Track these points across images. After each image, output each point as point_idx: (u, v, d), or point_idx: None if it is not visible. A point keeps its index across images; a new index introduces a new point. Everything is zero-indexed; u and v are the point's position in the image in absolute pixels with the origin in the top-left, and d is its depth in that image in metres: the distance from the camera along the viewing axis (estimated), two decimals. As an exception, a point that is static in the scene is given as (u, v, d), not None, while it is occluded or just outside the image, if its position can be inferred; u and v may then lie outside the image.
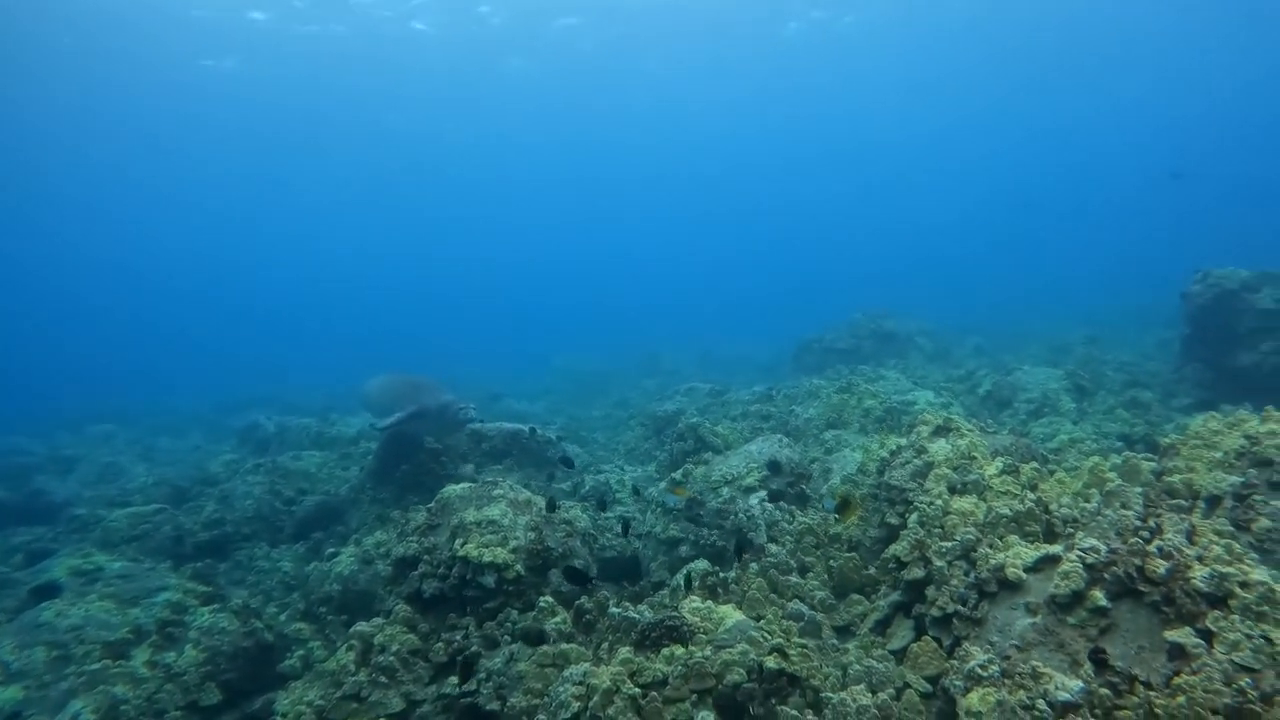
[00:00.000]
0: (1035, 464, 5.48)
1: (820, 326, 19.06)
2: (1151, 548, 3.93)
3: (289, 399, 25.11)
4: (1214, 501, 4.69)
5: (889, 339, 17.63)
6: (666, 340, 32.41)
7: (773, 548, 6.67)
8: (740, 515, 7.31)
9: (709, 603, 5.62)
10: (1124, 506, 4.66)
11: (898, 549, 5.22)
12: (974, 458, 5.58)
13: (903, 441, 6.82)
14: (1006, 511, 4.75)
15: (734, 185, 68.50)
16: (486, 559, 6.33)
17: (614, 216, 76.45)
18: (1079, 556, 4.03)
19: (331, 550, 9.28)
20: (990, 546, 4.61)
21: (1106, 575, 3.89)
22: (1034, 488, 5.27)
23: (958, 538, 4.82)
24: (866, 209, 74.26)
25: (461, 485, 7.20)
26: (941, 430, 6.58)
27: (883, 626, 5.31)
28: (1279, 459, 4.60)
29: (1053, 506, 4.81)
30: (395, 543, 7.40)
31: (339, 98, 42.88)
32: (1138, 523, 4.26)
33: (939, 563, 4.77)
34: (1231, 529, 4.26)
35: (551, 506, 6.80)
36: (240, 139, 46.20)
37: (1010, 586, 4.28)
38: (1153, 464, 5.47)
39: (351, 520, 10.33)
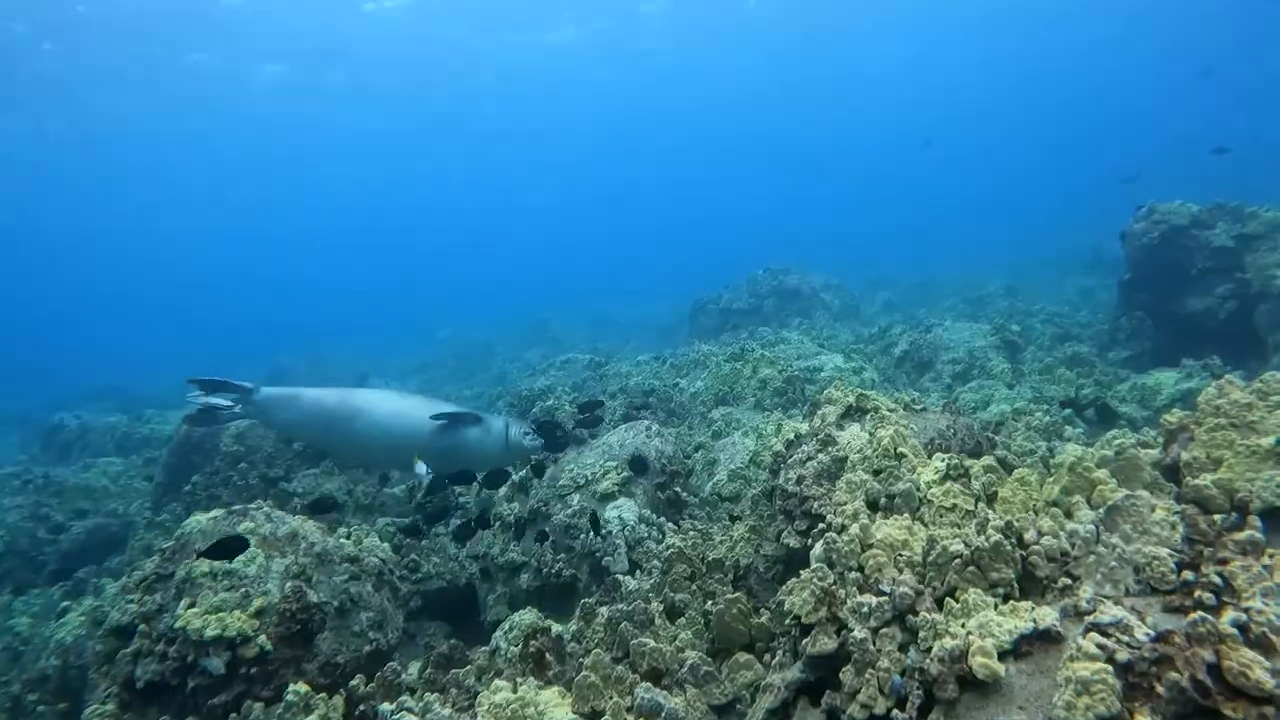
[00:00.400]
0: (990, 459, 3.71)
1: (721, 285, 17.32)
2: (1226, 626, 2.19)
3: (141, 392, 22.00)
4: (1276, 519, 2.99)
5: (792, 296, 16.05)
6: (561, 305, 30.30)
7: (630, 582, 4.86)
8: (591, 534, 5.43)
9: (527, 685, 3.80)
10: (1139, 532, 2.95)
11: (796, 602, 3.41)
12: (902, 454, 3.79)
13: (803, 428, 5.02)
14: (959, 546, 2.97)
15: (633, 138, 65.85)
16: (212, 632, 4.29)
17: (504, 176, 72.54)
18: (1099, 645, 2.27)
19: (65, 604, 6.99)
20: (940, 609, 2.84)
21: (1159, 686, 2.15)
22: (991, 499, 3.51)
23: (886, 590, 3.04)
24: (774, 161, 72.71)
25: (209, 514, 5.10)
26: (855, 411, 4.82)
27: (779, 718, 3.49)
28: (1371, 447, 2.90)
29: (1027, 533, 3.05)
30: (110, 603, 5.30)
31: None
32: (1177, 573, 2.54)
33: (858, 630, 3.00)
34: (1320, 568, 2.57)
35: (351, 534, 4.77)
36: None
37: (979, 688, 2.50)
38: (1154, 453, 3.78)
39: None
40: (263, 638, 4.35)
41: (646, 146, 67.12)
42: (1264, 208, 8.90)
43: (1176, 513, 3.16)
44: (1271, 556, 2.61)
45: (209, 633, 4.25)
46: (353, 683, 4.15)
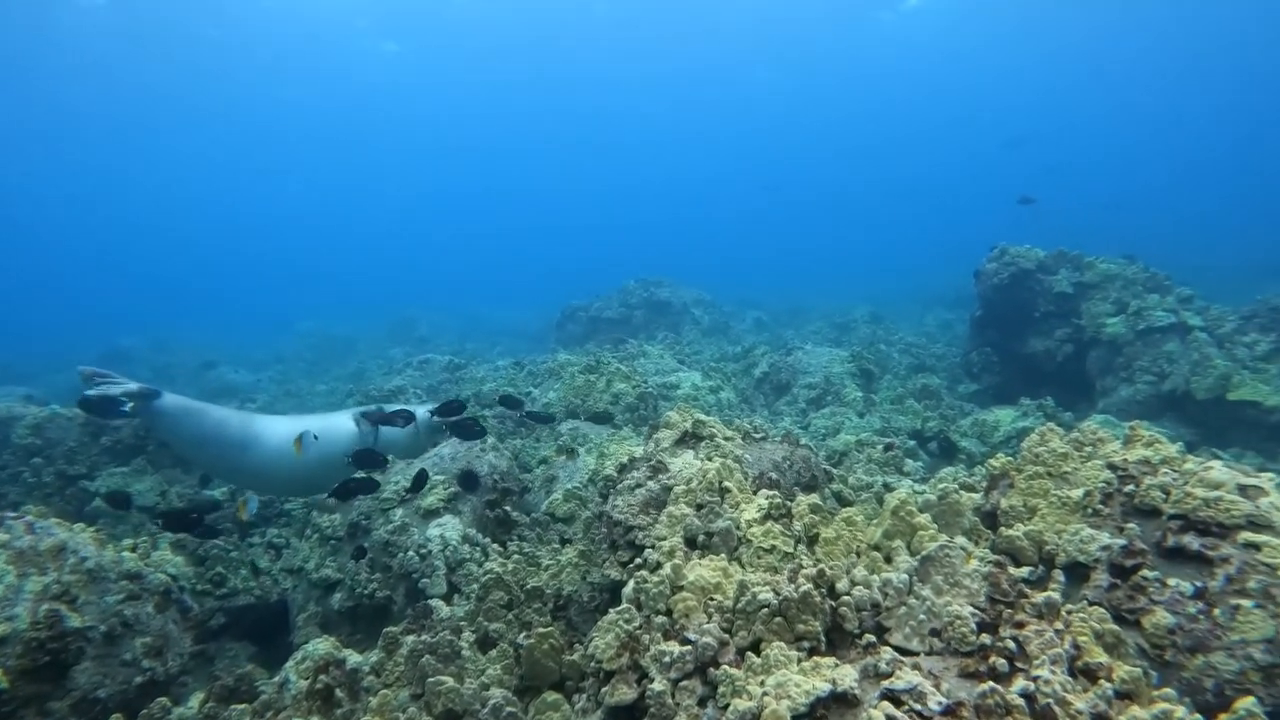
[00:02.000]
0: (815, 498, 3.65)
1: (593, 294, 17.14)
2: (1016, 697, 2.14)
3: None
4: (1078, 574, 3.05)
5: (663, 309, 16.07)
6: (433, 305, 29.30)
7: (443, 609, 4.53)
8: (411, 553, 5.06)
9: None
10: (950, 585, 2.92)
11: (600, 645, 3.21)
12: (727, 489, 3.67)
13: (637, 452, 4.85)
14: (769, 596, 2.84)
15: (517, 148, 65.04)
16: None
17: (385, 175, 69.90)
18: (889, 716, 2.17)
19: None
20: (740, 665, 2.70)
21: (940, 762, 2.06)
22: (812, 541, 3.44)
23: (691, 638, 2.88)
24: (664, 177, 73.60)
25: None
26: (690, 438, 4.68)
27: (574, 769, 3.30)
28: (1169, 507, 3.00)
29: (840, 583, 2.97)
30: None
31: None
32: (973, 631, 2.50)
33: (658, 682, 2.81)
34: (1114, 629, 2.62)
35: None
36: None
37: (768, 756, 2.36)
38: (976, 498, 3.83)
39: None
40: (3, 671, 3.76)
41: (532, 153, 66.62)
42: (1099, 259, 9.57)
43: (990, 563, 3.18)
44: (1068, 615, 2.62)
45: (-76, 667, 3.63)
46: (110, 720, 3.66)
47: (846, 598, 2.90)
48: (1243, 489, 3.01)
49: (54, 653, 3.84)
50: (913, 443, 7.22)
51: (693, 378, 9.25)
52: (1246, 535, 2.80)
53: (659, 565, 3.32)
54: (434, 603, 4.52)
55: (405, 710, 3.37)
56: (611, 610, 3.32)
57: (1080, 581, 3.06)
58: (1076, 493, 3.39)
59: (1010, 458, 3.97)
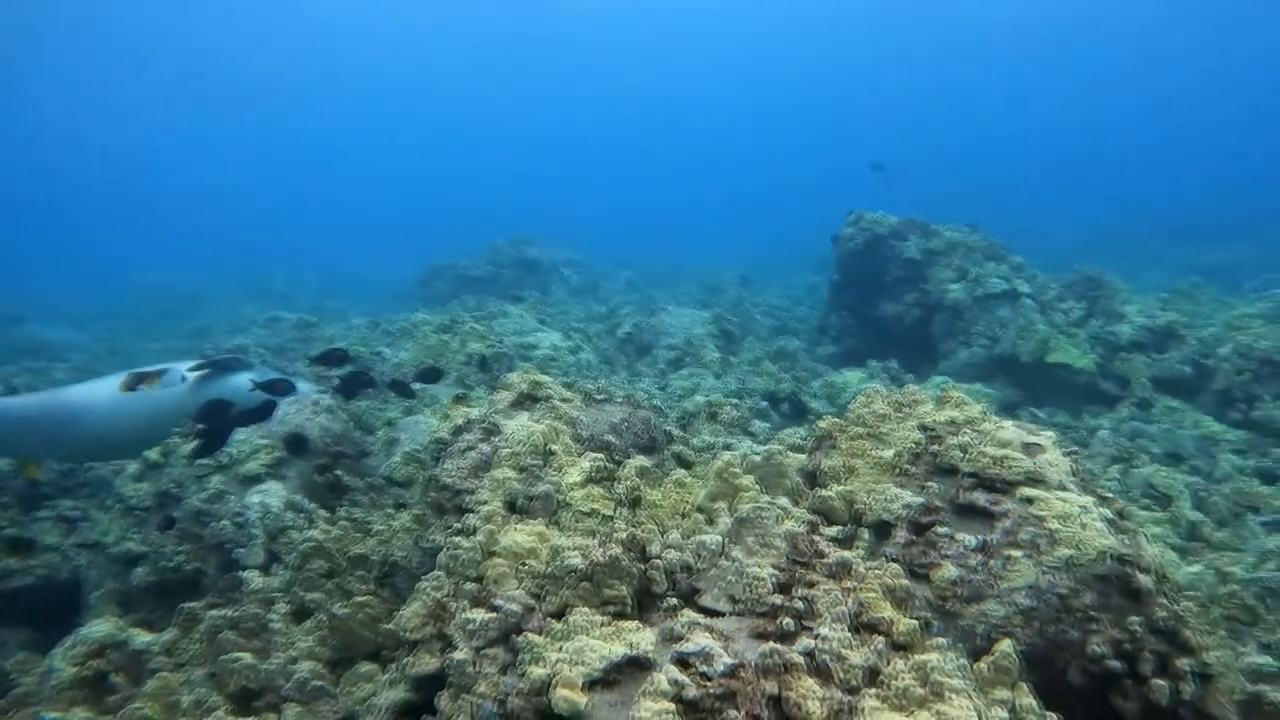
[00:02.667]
0: (643, 461, 3.65)
1: (461, 252, 16.66)
2: (796, 655, 2.19)
3: None
4: (883, 531, 3.16)
5: (532, 268, 15.86)
6: (296, 260, 27.73)
7: (256, 580, 4.31)
8: (226, 521, 4.78)
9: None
10: (761, 545, 2.97)
11: (406, 614, 3.12)
12: (551, 451, 3.61)
13: (474, 413, 4.73)
14: (577, 560, 2.80)
15: (385, 90, 62.21)
16: None
17: (245, 116, 65.20)
18: (671, 680, 2.18)
19: None
20: (540, 631, 2.66)
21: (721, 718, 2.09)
22: (635, 504, 3.43)
23: (499, 605, 2.82)
24: (536, 132, 72.13)
25: None
26: (528, 399, 4.59)
27: (384, 743, 3.18)
28: (965, 465, 3.15)
29: (653, 545, 2.96)
30: None
31: None
32: (771, 590, 2.56)
33: (462, 650, 2.74)
34: (906, 584, 2.72)
35: None
36: None
37: (562, 721, 2.34)
38: (800, 459, 3.93)
39: None
40: None
41: (399, 103, 63.86)
42: (946, 227, 10.06)
43: (805, 523, 3.26)
44: (866, 574, 2.71)
45: None
46: None
47: (657, 561, 2.90)
48: (1027, 447, 3.20)
49: None
50: (765, 404, 7.40)
51: (552, 338, 9.16)
52: (1024, 490, 2.98)
53: (474, 530, 3.24)
54: (246, 574, 4.30)
55: (193, 691, 3.18)
56: (423, 578, 3.23)
57: (885, 539, 3.18)
58: (889, 453, 3.52)
59: (837, 419, 4.09)
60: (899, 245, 9.99)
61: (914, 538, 3.08)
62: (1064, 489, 3.13)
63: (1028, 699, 2.27)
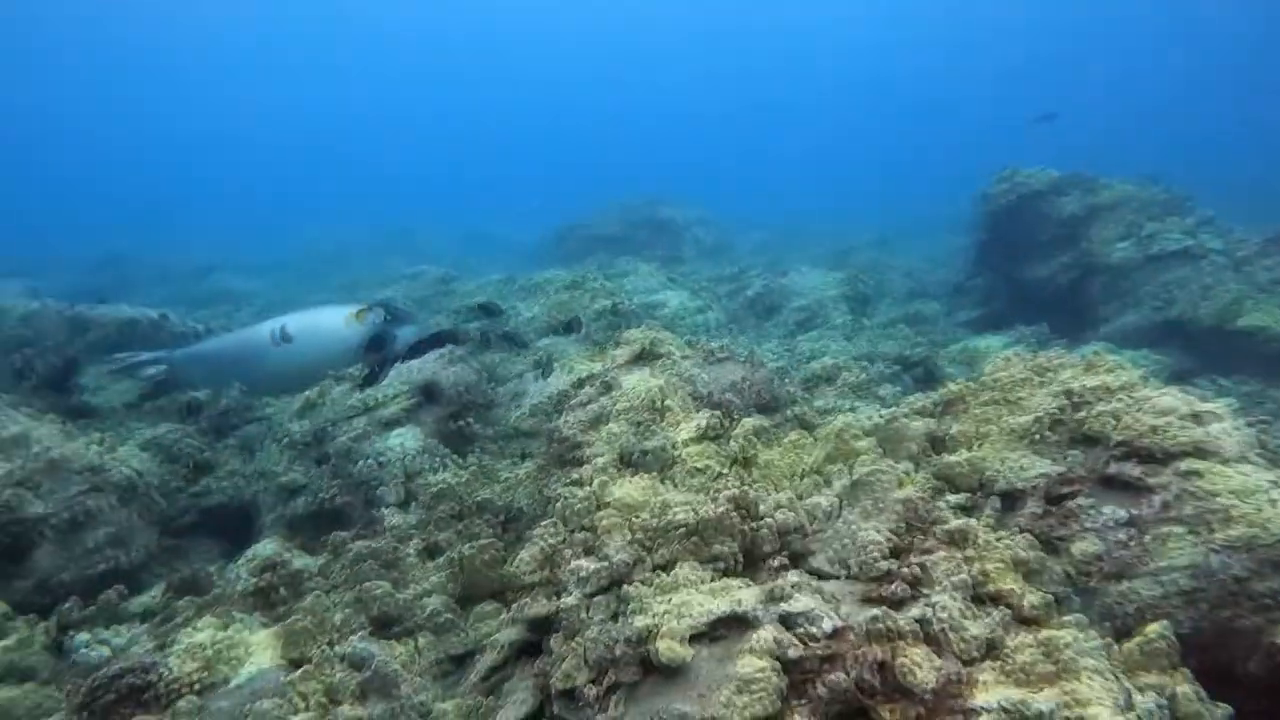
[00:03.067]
0: (759, 420, 3.57)
1: (594, 211, 16.85)
2: (906, 623, 2.09)
3: None
4: (1012, 500, 2.97)
5: (663, 228, 15.80)
6: (437, 218, 28.91)
7: (394, 517, 4.56)
8: (369, 461, 5.08)
9: (242, 624, 3.49)
10: (877, 509, 2.86)
11: (523, 558, 3.21)
12: (667, 408, 3.59)
13: (595, 368, 4.77)
14: (686, 515, 2.78)
15: (523, 55, 63.23)
16: None
17: (381, 77, 67.91)
18: (774, 639, 2.13)
19: None
20: (646, 583, 2.66)
21: (820, 685, 2.02)
22: (748, 462, 3.37)
23: (609, 554, 2.84)
24: (671, 95, 71.32)
25: None
26: (647, 355, 4.59)
27: (497, 676, 3.31)
28: (1115, 434, 2.90)
29: (763, 504, 2.90)
30: None
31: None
32: (884, 556, 2.44)
33: (572, 595, 2.80)
34: (1038, 556, 2.54)
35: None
36: None
37: (664, 672, 2.34)
38: (927, 424, 3.73)
39: None
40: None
41: (538, 70, 64.99)
42: (1115, 180, 9.23)
43: (927, 489, 3.11)
44: (991, 543, 2.55)
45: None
46: (65, 605, 3.75)
47: (768, 520, 2.84)
48: (1195, 416, 2.90)
49: (15, 535, 3.93)
50: (896, 369, 7.10)
51: (680, 297, 9.11)
52: (1190, 462, 2.71)
53: (586, 482, 3.28)
54: (385, 511, 4.54)
55: (341, 611, 3.39)
56: (539, 524, 3.30)
57: (1015, 509, 2.98)
58: (1025, 419, 3.29)
59: (969, 382, 3.86)
60: (1057, 201, 9.27)
61: (1049, 509, 2.87)
62: (1244, 462, 2.82)
63: (1187, 686, 2.07)
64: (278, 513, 5.39)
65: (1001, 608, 2.19)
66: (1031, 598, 2.28)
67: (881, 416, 3.53)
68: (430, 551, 4.14)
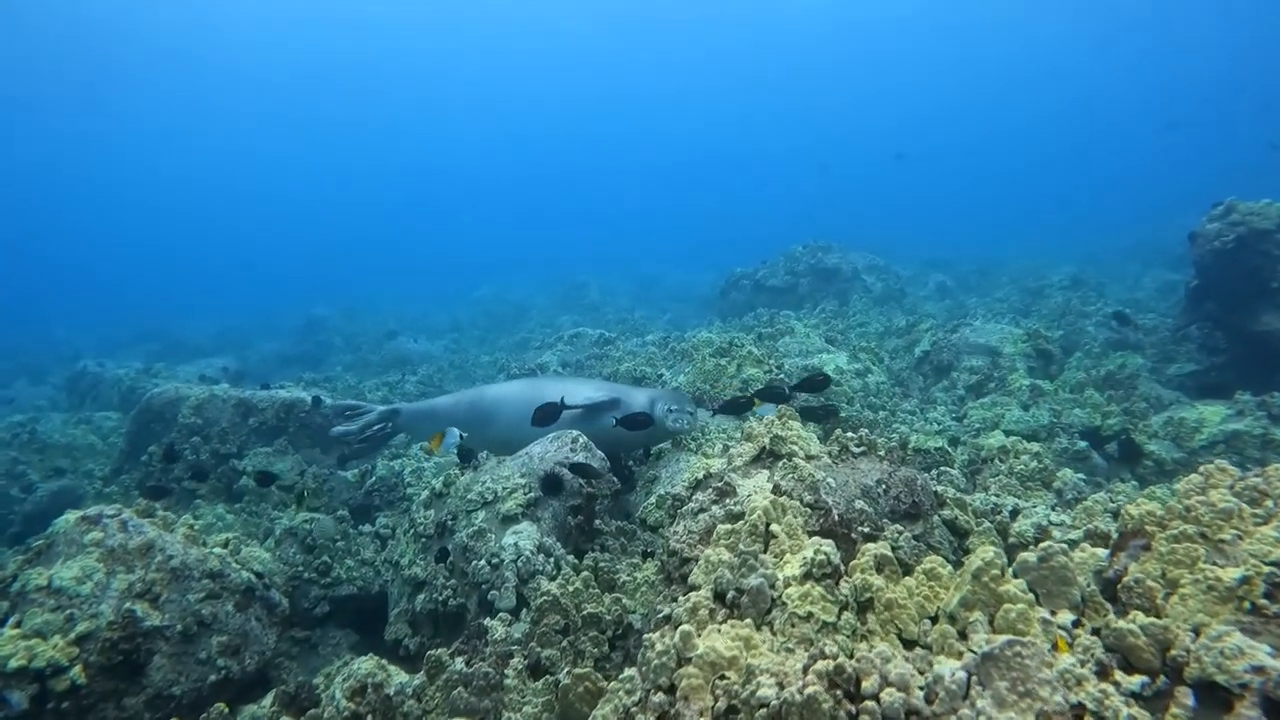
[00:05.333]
0: (882, 548, 3.01)
1: (758, 260, 16.30)
2: None
3: (182, 335, 22.30)
4: (1214, 698, 2.24)
5: (831, 276, 14.97)
6: (609, 267, 29.51)
7: (498, 629, 4.36)
8: (483, 562, 4.90)
9: None
10: (1019, 694, 2.26)
11: (597, 717, 2.83)
12: (774, 534, 3.11)
13: (714, 465, 4.35)
14: (769, 693, 2.31)
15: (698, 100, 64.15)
16: (16, 663, 3.98)
17: (551, 138, 71.16)
18: None
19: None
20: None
21: None
22: (865, 607, 2.81)
23: (687, 728, 2.42)
24: (850, 126, 69.32)
25: (76, 514, 4.78)
26: (769, 454, 4.10)
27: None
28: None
29: (869, 679, 2.36)
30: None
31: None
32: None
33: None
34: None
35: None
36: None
37: None
38: (1097, 557, 3.02)
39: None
40: (76, 669, 3.98)
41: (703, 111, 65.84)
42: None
43: (1093, 662, 2.44)
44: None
45: (12, 664, 3.89)
46: (172, 720, 3.79)
47: (871, 704, 2.29)
48: None
49: (127, 652, 4.01)
50: (1084, 444, 6.10)
51: (838, 359, 8.42)
52: None
53: (671, 631, 2.84)
54: (490, 622, 4.32)
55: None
56: (616, 679, 2.91)
57: (1218, 708, 2.24)
58: (1232, 573, 2.51)
59: (1154, 504, 3.07)
60: (1286, 240, 7.75)
61: (1265, 717, 2.12)
62: None
63: None
64: (401, 607, 5.33)
65: None
66: None
67: (1033, 553, 2.84)
68: (533, 670, 3.86)
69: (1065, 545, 2.83)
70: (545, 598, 4.24)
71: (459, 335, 19.83)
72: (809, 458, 4.07)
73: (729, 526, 3.26)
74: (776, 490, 3.66)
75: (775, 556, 3.08)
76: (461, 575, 5.00)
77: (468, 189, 73.06)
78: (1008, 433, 6.60)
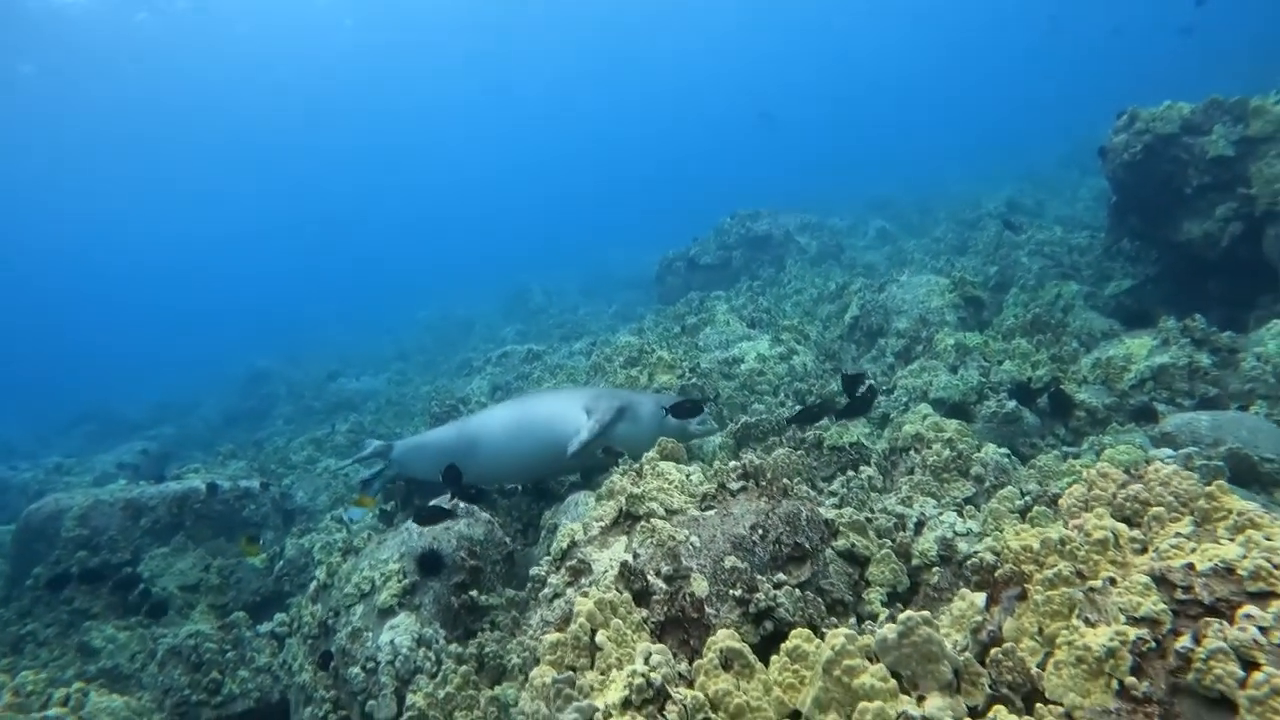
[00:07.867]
0: (729, 640, 2.56)
1: (690, 238, 15.65)
2: None
3: (123, 413, 21.22)
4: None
5: (763, 244, 14.40)
6: (552, 263, 28.62)
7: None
8: (358, 668, 4.42)
9: None
10: None
11: None
12: (599, 645, 2.65)
13: (578, 532, 3.87)
14: None
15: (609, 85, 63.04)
16: None
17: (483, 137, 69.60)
18: None
19: None
20: None
21: None
22: (700, 732, 2.35)
23: None
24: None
25: None
26: (626, 517, 3.63)
27: None
28: (1241, 695, 1.66)
29: None
30: None
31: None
32: None
33: None
34: None
35: None
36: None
37: None
38: (972, 616, 2.58)
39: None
40: None
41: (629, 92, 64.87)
42: (1273, 98, 7.12)
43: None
44: None
45: None
46: None
47: None
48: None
49: None
50: (1013, 404, 5.64)
51: (759, 346, 7.91)
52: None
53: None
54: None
55: None
56: None
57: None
58: (1101, 639, 2.06)
59: (1031, 536, 2.62)
60: (1197, 142, 7.28)
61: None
62: None
63: None
64: (303, 714, 4.85)
65: None
66: None
67: (893, 629, 2.37)
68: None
69: (927, 615, 2.36)
70: (412, 712, 3.78)
71: (404, 364, 19.05)
72: (670, 513, 3.59)
73: (555, 637, 2.78)
74: (628, 565, 3.18)
75: (602, 673, 2.61)
76: (343, 683, 4.52)
77: (406, 205, 70.51)
78: (936, 401, 6.15)
